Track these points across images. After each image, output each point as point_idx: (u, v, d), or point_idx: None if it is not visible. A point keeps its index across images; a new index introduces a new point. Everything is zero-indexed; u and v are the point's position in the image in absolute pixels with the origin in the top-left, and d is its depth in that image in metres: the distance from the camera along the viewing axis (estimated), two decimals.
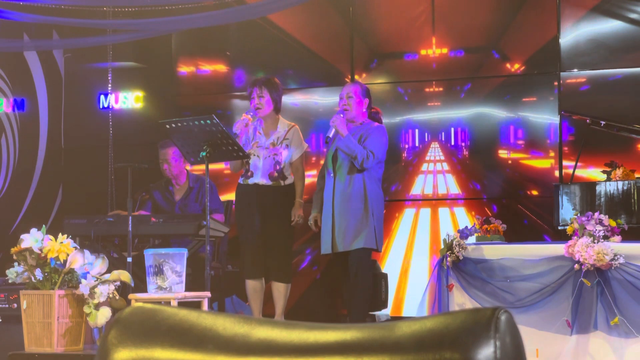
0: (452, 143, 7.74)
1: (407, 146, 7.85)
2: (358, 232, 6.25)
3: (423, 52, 7.87)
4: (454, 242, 5.81)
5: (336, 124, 6.27)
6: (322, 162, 6.62)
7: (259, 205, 6.55)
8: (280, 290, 6.56)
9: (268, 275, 6.61)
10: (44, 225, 5.18)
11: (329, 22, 8.12)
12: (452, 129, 7.74)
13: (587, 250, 5.34)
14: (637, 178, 6.31)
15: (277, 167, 6.59)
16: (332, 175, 6.40)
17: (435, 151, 7.78)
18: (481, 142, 7.66)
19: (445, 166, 7.75)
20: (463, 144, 7.71)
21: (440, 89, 7.83)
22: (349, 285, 6.34)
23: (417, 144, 7.83)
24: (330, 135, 6.32)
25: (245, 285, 6.63)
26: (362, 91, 6.48)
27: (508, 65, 7.67)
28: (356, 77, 7.89)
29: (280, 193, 6.58)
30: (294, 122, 6.82)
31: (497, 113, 7.64)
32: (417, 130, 7.84)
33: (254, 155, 6.62)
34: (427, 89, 7.87)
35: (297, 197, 6.62)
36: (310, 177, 7.41)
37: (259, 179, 6.58)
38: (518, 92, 7.60)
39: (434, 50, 7.83)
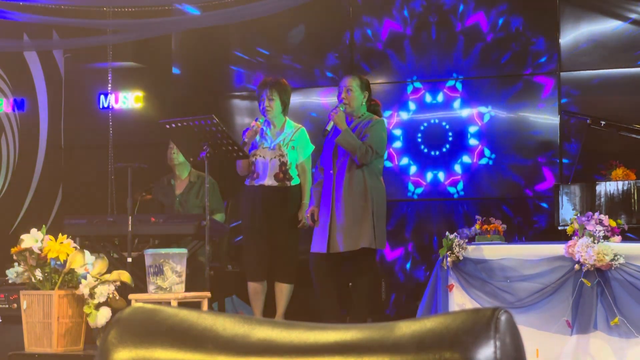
0: (453, 143, 7.73)
1: (407, 146, 7.84)
2: (358, 233, 6.15)
3: (423, 52, 7.86)
4: (454, 242, 5.80)
5: (335, 118, 6.15)
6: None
7: (265, 207, 6.51)
8: (283, 291, 6.54)
9: (272, 276, 6.59)
10: (44, 225, 5.19)
11: (329, 22, 8.12)
12: (452, 129, 7.74)
13: (587, 250, 5.34)
14: (637, 178, 6.31)
15: (283, 169, 6.56)
16: (331, 171, 6.28)
17: (435, 151, 7.78)
18: (481, 142, 7.65)
19: (445, 166, 7.75)
20: (463, 144, 7.70)
21: (440, 89, 7.83)
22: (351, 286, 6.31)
23: (416, 144, 7.82)
24: (328, 128, 6.19)
25: (248, 287, 6.61)
26: (361, 84, 6.37)
27: (507, 65, 7.66)
28: None
29: (286, 194, 6.55)
30: (293, 121, 6.81)
31: (497, 113, 7.64)
32: (416, 130, 7.83)
33: (260, 156, 6.59)
34: (427, 89, 7.86)
35: (304, 199, 6.58)
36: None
37: (265, 180, 6.56)
38: (518, 92, 7.59)
39: (434, 51, 7.83)
